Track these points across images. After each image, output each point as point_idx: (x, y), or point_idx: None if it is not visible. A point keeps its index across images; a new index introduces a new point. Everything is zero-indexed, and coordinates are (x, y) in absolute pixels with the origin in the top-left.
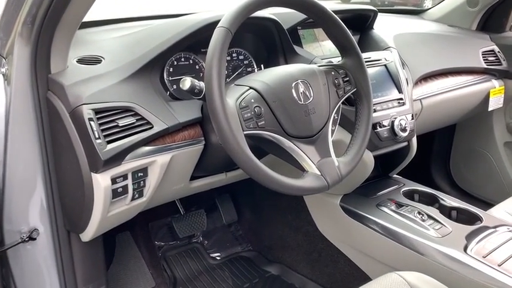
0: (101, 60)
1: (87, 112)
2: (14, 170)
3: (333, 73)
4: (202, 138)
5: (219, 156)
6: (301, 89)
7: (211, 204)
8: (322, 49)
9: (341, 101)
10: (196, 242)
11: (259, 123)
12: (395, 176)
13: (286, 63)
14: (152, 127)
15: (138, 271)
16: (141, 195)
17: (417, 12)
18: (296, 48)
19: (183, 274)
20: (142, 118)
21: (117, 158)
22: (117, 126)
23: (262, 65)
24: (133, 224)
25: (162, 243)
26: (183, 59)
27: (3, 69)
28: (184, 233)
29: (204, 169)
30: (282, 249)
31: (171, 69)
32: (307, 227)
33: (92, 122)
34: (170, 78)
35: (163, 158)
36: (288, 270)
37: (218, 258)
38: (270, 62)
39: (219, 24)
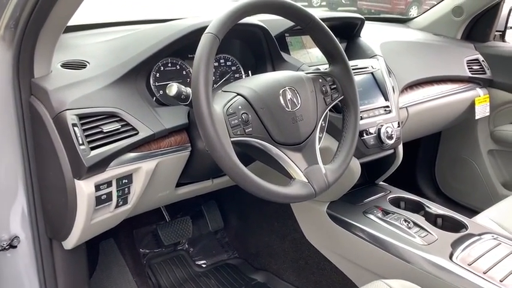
0: (86, 65)
1: (70, 118)
2: None
3: (320, 80)
4: (189, 144)
5: (206, 162)
6: (289, 96)
7: (197, 211)
8: (310, 56)
9: (328, 108)
10: (181, 250)
11: (246, 130)
12: (381, 183)
13: (274, 69)
14: (137, 133)
15: (122, 279)
16: (125, 202)
17: (403, 21)
18: (284, 55)
19: (168, 282)
20: (128, 124)
21: (101, 164)
22: (101, 132)
23: (249, 72)
24: (118, 231)
25: (147, 251)
26: (170, 65)
27: None
28: (169, 241)
29: (190, 176)
30: (268, 256)
31: (157, 75)
32: (294, 234)
33: (75, 128)
34: (157, 84)
35: (148, 165)
36: (274, 277)
37: (204, 265)
38: (257, 68)
39: (206, 30)
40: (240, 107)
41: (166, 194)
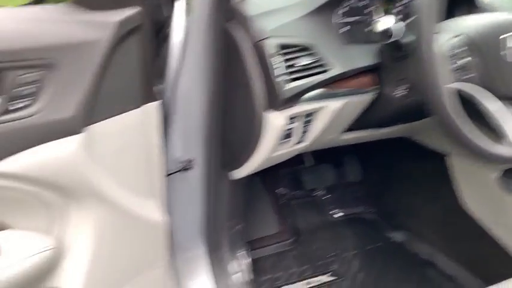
0: None
1: (271, 46)
2: (183, 99)
3: None
4: (377, 87)
5: (388, 109)
6: None
7: (338, 160)
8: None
9: None
10: (319, 196)
11: (464, 77)
12: None
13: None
14: (330, 69)
15: (264, 215)
16: (304, 139)
17: None
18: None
19: (304, 225)
20: (321, 59)
21: (295, 98)
22: (295, 65)
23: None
24: (265, 169)
25: (287, 191)
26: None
27: None
28: (309, 185)
29: (365, 121)
30: (408, 217)
31: (346, 10)
32: (447, 198)
33: (275, 58)
34: (345, 20)
35: (335, 104)
36: (414, 238)
37: (339, 215)
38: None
39: None
40: (463, 50)
41: (333, 137)
